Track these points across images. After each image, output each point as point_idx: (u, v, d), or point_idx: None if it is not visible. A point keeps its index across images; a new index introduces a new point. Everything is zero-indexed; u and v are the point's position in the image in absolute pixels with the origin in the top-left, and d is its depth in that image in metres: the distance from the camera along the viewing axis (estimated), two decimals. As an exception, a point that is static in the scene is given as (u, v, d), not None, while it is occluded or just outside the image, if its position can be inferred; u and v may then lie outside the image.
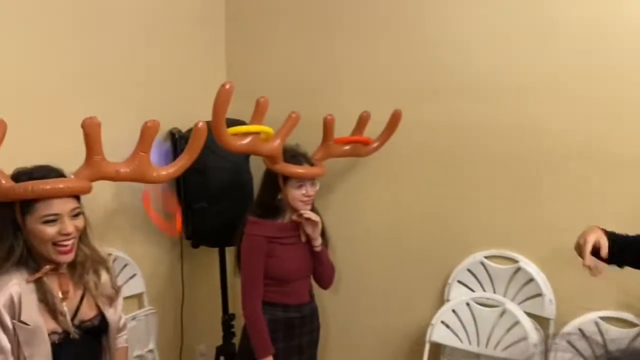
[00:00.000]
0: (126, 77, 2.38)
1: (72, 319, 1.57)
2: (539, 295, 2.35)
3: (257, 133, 2.03)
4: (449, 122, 2.48)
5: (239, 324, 2.41)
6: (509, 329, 2.32)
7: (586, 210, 2.26)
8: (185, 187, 2.58)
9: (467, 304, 2.42)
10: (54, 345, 1.50)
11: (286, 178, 2.17)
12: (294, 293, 2.24)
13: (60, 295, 1.55)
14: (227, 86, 1.79)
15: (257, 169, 2.52)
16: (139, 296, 2.53)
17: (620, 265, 1.70)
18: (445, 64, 2.47)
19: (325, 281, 2.37)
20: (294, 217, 2.20)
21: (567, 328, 2.22)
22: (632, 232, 1.72)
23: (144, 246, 2.58)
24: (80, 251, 1.58)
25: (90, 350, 1.64)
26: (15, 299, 1.45)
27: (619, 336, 2.16)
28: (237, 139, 1.98)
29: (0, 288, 1.44)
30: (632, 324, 2.20)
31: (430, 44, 2.50)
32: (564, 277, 2.32)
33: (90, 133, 1.49)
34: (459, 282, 2.52)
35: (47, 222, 1.46)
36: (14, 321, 1.44)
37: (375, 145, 2.51)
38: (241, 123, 2.39)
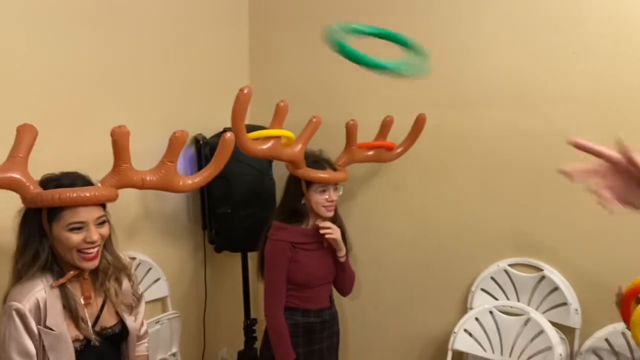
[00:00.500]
0: (152, 84, 2.41)
1: (93, 325, 1.59)
2: (564, 304, 2.32)
3: (277, 137, 2.03)
4: (474, 128, 2.46)
5: (260, 329, 2.42)
6: (533, 338, 2.29)
7: (613, 219, 2.21)
8: (209, 192, 2.61)
9: (491, 312, 2.39)
10: (75, 352, 1.52)
11: (309, 183, 2.17)
12: (314, 298, 2.24)
13: (82, 301, 1.57)
14: (246, 90, 1.79)
15: (279, 174, 2.53)
16: (162, 300, 2.56)
17: None
18: (471, 70, 2.46)
19: (346, 288, 2.37)
20: (317, 223, 2.20)
21: (593, 338, 2.18)
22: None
23: (167, 250, 2.60)
24: (103, 258, 1.60)
25: (110, 357, 1.66)
26: (41, 305, 1.47)
27: (646, 348, 2.12)
28: (257, 143, 1.97)
29: (27, 293, 1.47)
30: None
31: (455, 50, 2.48)
32: (590, 286, 2.29)
33: (119, 141, 1.51)
34: (482, 290, 2.49)
35: (72, 229, 1.48)
36: (39, 326, 1.47)
37: (399, 150, 2.50)
38: (263, 129, 2.42)
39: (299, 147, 2.10)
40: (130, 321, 1.69)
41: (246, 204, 2.56)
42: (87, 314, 1.57)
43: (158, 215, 2.54)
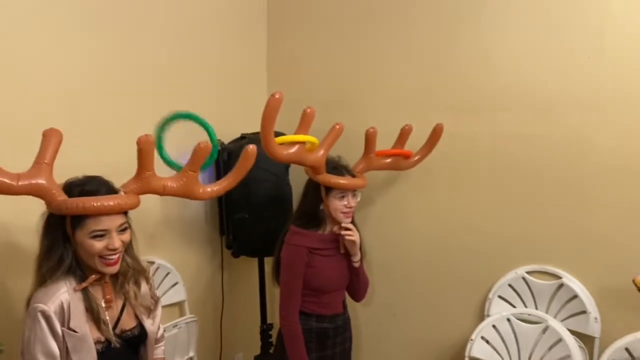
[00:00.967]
0: (172, 91, 2.43)
1: (114, 328, 1.61)
2: (584, 312, 2.30)
3: (303, 143, 2.05)
4: (492, 135, 2.46)
5: (276, 333, 2.43)
6: (551, 347, 2.27)
7: (633, 226, 2.22)
8: (226, 198, 2.62)
9: (508, 320, 2.37)
10: (97, 353, 1.54)
11: (328, 189, 2.18)
12: (329, 304, 2.25)
13: (103, 304, 1.59)
14: (277, 95, 1.81)
15: (296, 180, 2.54)
16: (180, 304, 2.58)
17: None
18: (489, 77, 2.45)
19: (358, 294, 2.38)
20: (335, 230, 2.21)
21: (613, 347, 2.16)
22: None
23: (185, 255, 2.63)
24: (123, 261, 1.62)
25: (129, 359, 1.68)
26: (65, 307, 1.49)
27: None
28: (283, 148, 2.00)
29: (52, 295, 1.49)
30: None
31: (474, 57, 2.48)
32: (610, 294, 2.27)
33: (144, 149, 1.53)
34: (500, 297, 2.48)
35: (95, 236, 1.51)
36: (63, 328, 1.49)
37: (416, 158, 2.50)
38: (282, 135, 2.43)
39: (321, 152, 2.12)
40: (148, 324, 1.71)
41: (263, 209, 2.57)
42: (108, 317, 1.59)
43: (176, 220, 2.56)
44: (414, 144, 2.48)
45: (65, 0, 1.97)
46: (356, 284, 2.32)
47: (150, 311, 1.74)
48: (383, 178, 2.69)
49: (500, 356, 2.37)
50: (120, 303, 1.66)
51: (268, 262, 2.66)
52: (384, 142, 2.44)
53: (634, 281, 1.96)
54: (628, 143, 2.22)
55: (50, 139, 1.45)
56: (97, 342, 1.55)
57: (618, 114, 2.22)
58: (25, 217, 1.61)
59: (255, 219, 2.57)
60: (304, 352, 2.15)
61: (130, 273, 1.66)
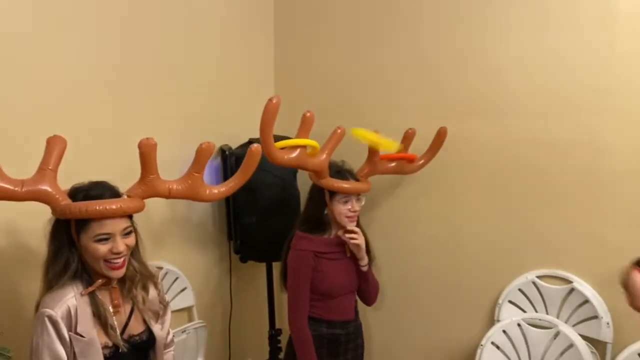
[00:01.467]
0: (180, 95, 2.44)
1: (122, 333, 1.61)
2: (595, 317, 2.27)
3: (303, 147, 2.05)
4: (499, 138, 2.44)
5: (285, 339, 2.43)
6: (562, 352, 2.24)
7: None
8: (234, 202, 2.63)
9: (519, 325, 2.35)
10: (105, 358, 1.54)
11: (332, 193, 2.18)
12: (339, 309, 2.24)
13: (111, 309, 1.60)
14: (274, 100, 1.83)
15: (304, 184, 2.54)
16: (188, 309, 2.58)
17: None
18: (496, 80, 2.43)
19: (369, 298, 2.37)
20: (340, 234, 2.20)
21: (626, 353, 2.12)
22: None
23: (194, 260, 2.63)
24: (130, 266, 1.62)
25: None
26: (72, 312, 1.50)
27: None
28: (284, 152, 2.00)
29: (58, 300, 1.49)
30: (696, 351, 2.10)
31: (479, 60, 2.47)
32: (622, 299, 2.23)
33: (146, 153, 1.53)
34: (510, 302, 2.46)
35: (99, 240, 1.51)
36: (70, 333, 1.49)
37: (420, 162, 2.49)
38: (288, 139, 2.43)
39: (323, 156, 2.12)
40: (157, 329, 1.71)
41: (271, 214, 2.57)
42: (116, 322, 1.60)
43: (185, 225, 2.57)
44: (420, 148, 2.47)
45: (69, 4, 1.97)
46: (365, 288, 2.31)
47: (158, 316, 1.74)
48: (390, 182, 2.68)
49: (511, 361, 2.35)
50: (128, 308, 1.66)
51: (276, 267, 2.66)
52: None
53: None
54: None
55: (54, 146, 1.47)
56: (104, 347, 1.55)
57: (630, 116, 2.20)
58: (35, 220, 1.61)
59: (263, 224, 2.57)
60: (314, 357, 2.15)
61: (137, 278, 1.66)
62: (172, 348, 1.87)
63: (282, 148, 1.99)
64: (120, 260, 1.55)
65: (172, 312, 2.28)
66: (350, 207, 2.17)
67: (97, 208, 1.47)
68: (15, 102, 1.81)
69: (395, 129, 2.44)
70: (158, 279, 1.77)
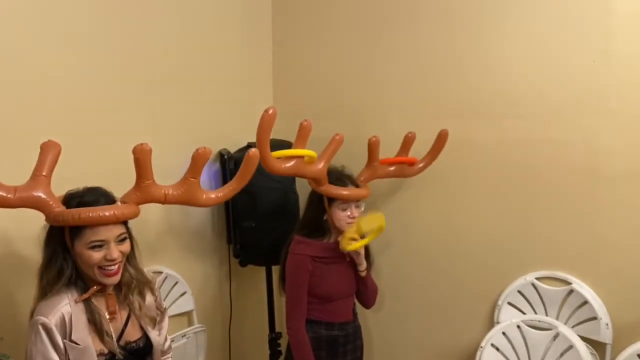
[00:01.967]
0: (178, 100, 2.45)
1: (118, 339, 1.60)
2: (594, 318, 2.26)
3: (300, 157, 2.05)
4: (499, 140, 2.44)
5: (285, 343, 2.43)
6: (562, 354, 2.24)
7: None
8: (233, 206, 2.63)
9: (518, 327, 2.34)
10: None
11: (331, 199, 2.18)
12: (337, 311, 2.25)
13: (107, 315, 1.59)
14: (270, 111, 1.83)
15: (303, 188, 2.54)
16: (188, 314, 2.58)
17: None
18: (493, 81, 2.43)
19: (368, 302, 2.37)
20: (339, 239, 2.20)
21: (626, 354, 2.12)
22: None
23: (193, 265, 2.63)
24: (126, 272, 1.61)
25: None
26: (67, 319, 1.49)
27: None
28: (281, 162, 2.00)
29: (53, 308, 1.49)
30: (696, 351, 2.09)
31: (479, 63, 2.47)
32: (622, 300, 2.24)
33: (141, 158, 1.53)
34: (509, 304, 2.45)
35: (93, 247, 1.50)
36: (65, 340, 1.49)
37: (420, 165, 2.49)
38: (288, 143, 2.44)
39: (321, 164, 2.12)
40: (154, 335, 1.70)
41: (270, 218, 2.57)
42: (112, 328, 1.59)
43: (184, 229, 2.57)
44: (420, 151, 2.47)
45: (65, 8, 1.98)
46: (364, 292, 2.32)
47: (155, 322, 1.73)
48: (389, 184, 2.68)
49: (511, 364, 2.34)
50: (125, 314, 1.65)
51: (275, 270, 2.66)
52: (392, 149, 2.44)
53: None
54: (638, 147, 2.18)
55: (48, 152, 1.46)
56: (100, 354, 1.54)
57: (629, 117, 2.19)
58: (29, 228, 1.62)
59: (262, 228, 2.58)
60: (312, 359, 2.15)
61: (134, 284, 1.65)
62: (169, 354, 1.85)
63: (279, 158, 2.00)
64: (114, 267, 1.54)
65: (172, 316, 2.30)
66: (349, 213, 2.18)
67: (90, 215, 1.46)
68: (7, 106, 1.80)
69: (392, 131, 2.44)
70: (155, 285, 1.76)
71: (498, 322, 2.44)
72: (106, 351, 1.56)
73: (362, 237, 2.18)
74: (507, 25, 2.40)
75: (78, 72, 2.04)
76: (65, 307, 1.50)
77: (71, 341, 1.49)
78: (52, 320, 1.47)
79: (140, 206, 1.63)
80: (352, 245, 2.13)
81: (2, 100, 1.79)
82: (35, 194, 1.44)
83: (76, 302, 1.52)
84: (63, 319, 1.49)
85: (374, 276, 2.39)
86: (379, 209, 2.70)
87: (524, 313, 2.42)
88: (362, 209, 2.23)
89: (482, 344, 2.37)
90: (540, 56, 2.34)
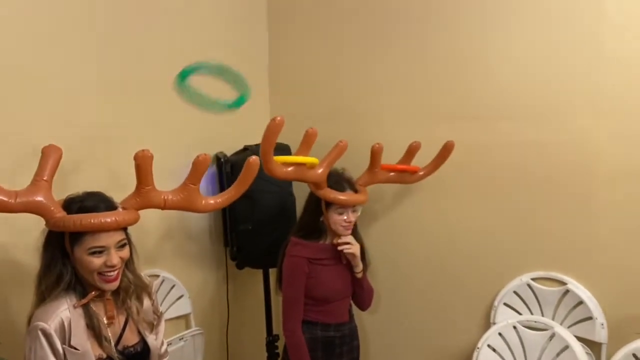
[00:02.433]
0: (174, 104, 2.43)
1: (116, 344, 1.61)
2: (590, 318, 2.28)
3: (302, 164, 2.07)
4: (495, 143, 2.45)
5: (283, 345, 2.43)
6: (558, 354, 2.25)
7: (638, 231, 2.20)
8: (230, 209, 2.63)
9: (514, 327, 2.36)
10: None
11: (328, 203, 2.19)
12: (333, 313, 2.26)
13: (105, 320, 1.59)
14: (278, 119, 1.85)
15: (300, 191, 2.55)
16: (186, 317, 2.59)
17: None
18: (491, 86, 2.44)
19: (364, 304, 2.39)
20: (335, 242, 2.22)
21: (621, 354, 2.14)
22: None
23: (190, 268, 2.64)
24: (124, 277, 1.62)
25: None
26: (66, 324, 1.49)
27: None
28: (283, 166, 2.02)
29: (52, 313, 1.49)
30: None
31: (477, 68, 2.47)
32: (617, 300, 2.25)
33: (142, 165, 1.53)
34: (505, 304, 2.46)
35: (93, 253, 1.50)
36: (64, 346, 1.49)
37: (421, 173, 2.49)
38: (284, 146, 2.44)
39: (322, 170, 2.13)
40: (151, 339, 1.71)
41: (267, 220, 2.58)
42: (110, 333, 1.59)
43: (181, 233, 2.57)
44: (418, 156, 2.47)
45: (67, 12, 1.98)
46: (360, 294, 2.34)
47: (153, 327, 1.73)
48: (387, 187, 2.68)
49: (507, 364, 2.36)
50: (122, 319, 1.65)
51: (273, 273, 2.67)
52: (391, 153, 2.43)
53: None
54: (633, 148, 2.20)
55: (49, 156, 1.46)
56: (98, 359, 1.54)
57: (624, 118, 2.21)
58: (26, 233, 1.61)
59: (259, 231, 2.58)
60: None
61: (132, 289, 1.65)
62: (166, 358, 1.87)
63: (281, 163, 2.01)
64: (114, 273, 1.54)
65: (169, 319, 2.30)
66: (345, 217, 2.18)
67: (92, 221, 1.46)
68: (9, 111, 1.81)
69: (389, 133, 2.46)
70: (152, 290, 1.77)
71: (494, 323, 2.46)
72: (104, 356, 1.56)
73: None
74: (500, 27, 2.41)
75: (79, 77, 2.05)
76: (65, 312, 1.50)
77: (70, 346, 1.49)
78: (52, 326, 1.47)
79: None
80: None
81: (2, 104, 1.79)
82: (36, 198, 1.44)
83: (75, 307, 1.52)
84: (62, 324, 1.49)
85: (370, 278, 2.40)
86: (376, 210, 2.73)
87: (520, 314, 2.43)
88: (359, 213, 2.24)
89: (479, 345, 2.39)
90: (533, 57, 2.35)
